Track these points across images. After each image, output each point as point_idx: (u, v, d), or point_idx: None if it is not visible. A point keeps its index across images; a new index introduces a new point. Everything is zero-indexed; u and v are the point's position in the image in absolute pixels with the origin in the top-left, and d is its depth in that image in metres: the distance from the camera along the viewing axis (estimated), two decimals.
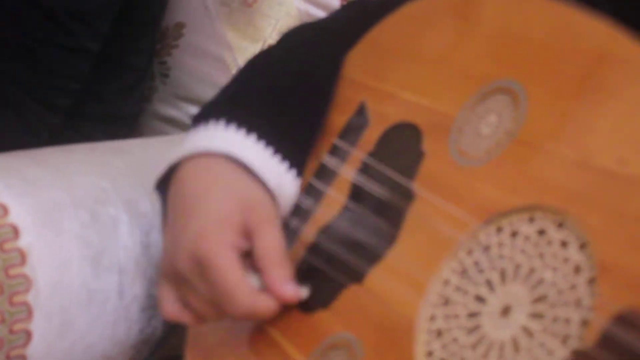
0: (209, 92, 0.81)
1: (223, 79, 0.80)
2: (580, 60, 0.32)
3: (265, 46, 0.79)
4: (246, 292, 0.35)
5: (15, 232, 0.49)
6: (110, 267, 0.53)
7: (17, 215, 0.50)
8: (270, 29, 0.79)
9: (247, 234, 0.38)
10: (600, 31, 0.31)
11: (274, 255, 0.37)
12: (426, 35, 0.41)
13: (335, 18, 0.53)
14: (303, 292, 0.38)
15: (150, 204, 0.56)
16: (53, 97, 0.67)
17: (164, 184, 0.43)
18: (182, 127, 0.81)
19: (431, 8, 0.42)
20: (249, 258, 0.38)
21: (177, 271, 0.38)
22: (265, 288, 0.37)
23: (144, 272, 0.55)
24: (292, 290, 0.37)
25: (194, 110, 0.81)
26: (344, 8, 0.56)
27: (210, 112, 0.43)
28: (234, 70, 0.80)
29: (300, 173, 0.42)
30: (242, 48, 0.80)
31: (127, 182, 0.58)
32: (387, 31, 0.43)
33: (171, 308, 0.39)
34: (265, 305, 0.36)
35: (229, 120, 0.41)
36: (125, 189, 0.57)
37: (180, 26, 0.81)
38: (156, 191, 0.44)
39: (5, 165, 0.54)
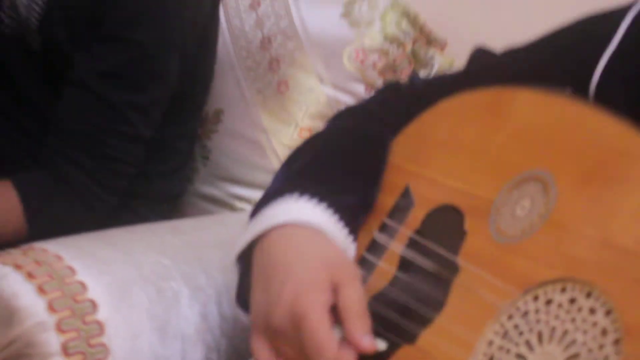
0: (246, 173, 0.89)
1: (259, 159, 0.88)
2: (601, 155, 0.39)
3: (297, 129, 0.87)
4: (333, 347, 0.41)
5: (94, 306, 0.56)
6: (175, 336, 0.59)
7: (95, 291, 0.56)
8: (301, 114, 0.88)
9: (334, 289, 0.44)
10: (619, 130, 0.38)
11: (356, 308, 0.42)
12: (464, 128, 0.48)
13: (377, 102, 0.61)
14: (380, 345, 0.43)
15: (205, 278, 0.63)
16: (113, 180, 0.75)
17: (244, 255, 0.49)
18: (222, 204, 0.88)
19: (467, 104, 0.50)
20: (332, 310, 0.43)
21: (273, 326, 0.43)
22: (346, 338, 0.42)
23: (203, 339, 0.61)
24: (369, 342, 0.42)
25: (232, 189, 0.88)
26: (382, 92, 0.64)
27: (288, 182, 0.50)
28: (268, 152, 0.88)
29: (355, 240, 0.49)
30: (276, 131, 0.89)
31: (185, 258, 0.64)
32: (427, 123, 0.51)
33: (266, 356, 0.44)
34: (346, 358, 0.42)
35: (302, 193, 0.48)
36: (183, 265, 0.63)
37: (219, 112, 0.89)
38: (237, 262, 0.50)
39: (80, 247, 0.61)
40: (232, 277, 0.51)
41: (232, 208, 0.88)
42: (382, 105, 0.58)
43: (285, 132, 0.88)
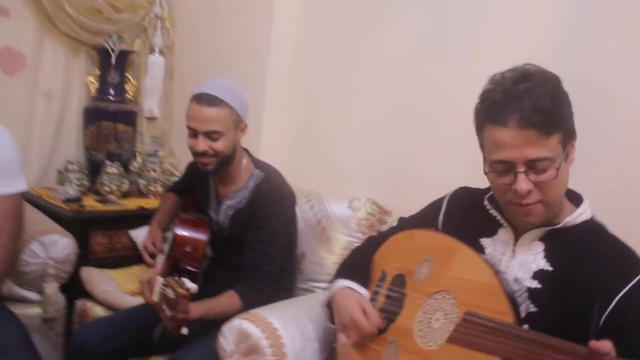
0: (317, 276, 2.10)
1: (321, 270, 2.10)
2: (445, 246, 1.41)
3: (336, 255, 2.09)
4: (369, 326, 1.43)
5: (279, 333, 1.71)
6: (308, 339, 1.75)
7: (278, 326, 1.71)
8: (336, 249, 2.10)
9: (361, 308, 1.49)
10: (444, 237, 1.45)
11: (373, 313, 1.44)
12: (398, 245, 1.53)
13: (365, 242, 1.74)
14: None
15: (315, 316, 1.79)
16: (272, 287, 1.90)
17: (328, 304, 1.64)
18: (309, 291, 2.09)
19: (399, 237, 1.53)
20: None
21: (345, 325, 1.46)
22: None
23: (317, 337, 1.77)
24: (380, 321, 1.42)
25: (313, 284, 2.09)
26: (367, 239, 1.81)
27: (338, 275, 1.60)
28: (326, 267, 2.08)
29: (368, 291, 1.58)
30: (326, 258, 2.10)
31: (306, 310, 1.82)
32: (386, 246, 1.56)
33: (344, 339, 1.46)
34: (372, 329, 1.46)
35: (345, 277, 1.57)
36: (306, 312, 1.81)
37: (303, 253, 2.13)
38: (325, 308, 1.65)
39: (269, 310, 1.77)
40: (322, 315, 1.68)
41: (313, 292, 2.08)
42: (367, 242, 1.77)
43: (330, 258, 2.10)
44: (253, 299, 1.74)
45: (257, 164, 1.94)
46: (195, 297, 1.51)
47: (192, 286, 1.46)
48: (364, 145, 2.33)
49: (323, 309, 1.59)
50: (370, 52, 2.32)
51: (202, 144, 1.79)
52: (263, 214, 1.83)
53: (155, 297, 1.53)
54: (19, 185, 1.81)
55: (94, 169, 2.87)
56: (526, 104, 1.15)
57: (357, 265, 1.58)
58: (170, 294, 1.44)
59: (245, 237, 1.85)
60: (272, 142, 2.60)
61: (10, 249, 1.76)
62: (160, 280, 1.54)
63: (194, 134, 1.81)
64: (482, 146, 1.27)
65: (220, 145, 1.80)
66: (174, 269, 1.84)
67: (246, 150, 1.95)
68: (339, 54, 2.44)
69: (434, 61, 2.10)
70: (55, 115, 2.93)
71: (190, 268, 1.87)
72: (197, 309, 1.60)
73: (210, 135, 1.79)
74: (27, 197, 2.72)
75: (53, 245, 2.15)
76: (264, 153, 2.15)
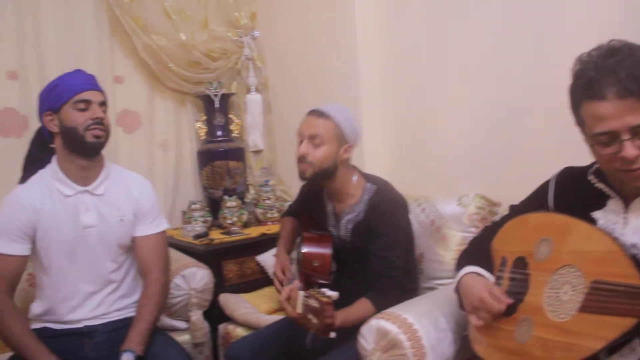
0: (437, 274, 2.20)
1: (441, 269, 2.19)
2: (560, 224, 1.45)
3: (453, 251, 2.18)
4: (497, 306, 1.51)
5: (414, 327, 1.83)
6: (441, 330, 1.85)
7: (412, 320, 1.82)
8: (453, 245, 2.19)
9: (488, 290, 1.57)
10: (557, 216, 1.46)
11: (497, 294, 1.52)
12: (515, 230, 1.56)
13: (482, 232, 1.83)
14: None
15: (445, 320, 1.87)
16: (399, 289, 2.01)
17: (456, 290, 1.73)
18: (431, 289, 2.19)
19: (513, 223, 1.56)
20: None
21: (475, 306, 1.55)
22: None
23: (450, 328, 1.86)
24: (507, 300, 1.50)
25: (437, 282, 2.18)
26: (482, 229, 1.90)
27: (461, 263, 1.69)
28: (445, 264, 2.18)
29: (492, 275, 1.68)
30: (444, 255, 2.20)
31: (436, 303, 1.90)
32: (502, 233, 1.63)
33: (476, 320, 1.57)
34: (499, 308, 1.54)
35: (469, 264, 1.66)
36: (438, 304, 1.89)
37: (422, 254, 2.23)
38: (455, 292, 1.74)
39: (401, 308, 1.89)
40: (451, 306, 1.77)
41: (436, 289, 2.18)
42: (483, 231, 1.82)
43: (449, 255, 2.19)
44: (384, 302, 1.84)
45: (368, 178, 2.07)
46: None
47: (333, 293, 1.60)
48: (464, 143, 2.41)
49: (453, 295, 1.68)
50: (460, 47, 2.39)
51: (304, 147, 1.95)
52: (381, 223, 1.95)
53: (299, 309, 1.69)
54: (162, 225, 2.08)
55: (214, 205, 3.12)
56: (622, 76, 1.21)
57: (478, 252, 1.67)
58: (314, 303, 1.60)
59: (367, 246, 1.97)
60: (374, 156, 2.72)
61: (162, 280, 1.99)
62: (302, 293, 1.69)
63: (300, 141, 1.98)
64: (582, 122, 1.34)
65: (319, 153, 1.94)
66: (307, 285, 2.00)
67: (355, 168, 2.09)
68: (427, 53, 2.53)
69: (525, 49, 2.16)
70: (172, 163, 3.22)
71: (321, 281, 2.02)
72: (337, 317, 1.72)
73: (313, 140, 1.94)
74: None
75: (193, 277, 2.37)
76: (368, 168, 2.28)
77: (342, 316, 1.77)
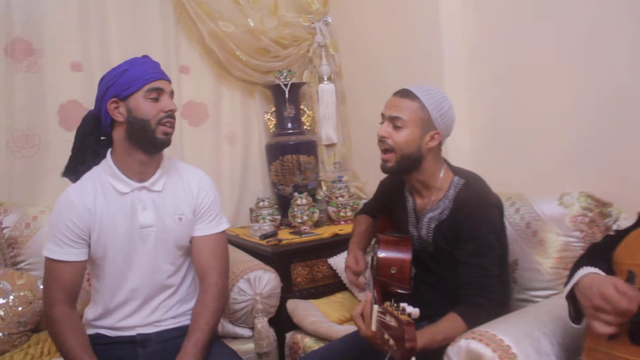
0: (533, 284, 1.90)
1: (540, 277, 1.89)
2: None
3: (553, 259, 1.87)
4: (624, 302, 1.19)
5: (509, 347, 1.55)
6: (544, 353, 1.56)
7: (509, 342, 1.53)
8: (552, 251, 1.88)
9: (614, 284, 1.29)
10: None
11: (628, 290, 1.23)
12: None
13: (608, 236, 1.53)
14: None
15: (548, 342, 1.58)
16: (494, 302, 1.71)
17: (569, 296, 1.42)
18: (527, 301, 1.89)
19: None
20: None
21: (596, 307, 1.24)
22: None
23: (553, 353, 1.57)
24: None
25: (533, 294, 1.89)
26: (608, 235, 1.58)
27: (578, 266, 1.41)
28: (544, 274, 1.88)
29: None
30: (542, 263, 1.89)
31: (536, 322, 1.62)
32: (629, 243, 1.36)
33: (602, 328, 1.26)
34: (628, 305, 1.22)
35: (586, 265, 1.37)
36: (539, 323, 1.60)
37: (516, 261, 1.93)
38: (567, 300, 1.45)
39: (493, 327, 1.62)
40: (555, 325, 1.49)
41: (532, 302, 1.88)
42: (604, 240, 1.49)
43: (547, 263, 1.88)
44: (477, 318, 1.58)
45: (456, 171, 1.81)
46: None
47: (414, 310, 1.35)
48: (567, 132, 2.08)
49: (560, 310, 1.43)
50: (562, 21, 2.07)
51: (384, 128, 1.76)
52: (471, 223, 1.70)
53: (373, 327, 1.45)
54: (223, 224, 1.90)
55: (283, 203, 2.94)
56: None
57: (597, 258, 1.38)
58: (391, 322, 1.35)
59: (454, 251, 1.73)
60: (458, 148, 2.44)
61: (220, 285, 1.81)
62: (376, 308, 1.45)
63: (382, 121, 1.79)
64: None
65: (400, 137, 1.73)
66: (383, 295, 1.76)
67: (444, 160, 1.84)
68: (521, 30, 2.22)
69: (628, 32, 1.83)
70: (240, 157, 3.07)
71: (400, 290, 1.77)
72: (421, 337, 1.49)
73: (394, 122, 1.74)
74: (227, 237, 2.85)
75: (258, 281, 2.20)
76: (451, 161, 2.00)
77: (427, 336, 1.53)
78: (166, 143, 1.75)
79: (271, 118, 3.02)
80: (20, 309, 2.22)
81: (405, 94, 1.75)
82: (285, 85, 2.88)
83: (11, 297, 2.24)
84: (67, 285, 1.71)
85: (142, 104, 1.69)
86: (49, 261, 1.72)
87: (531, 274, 1.91)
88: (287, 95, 2.90)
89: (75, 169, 1.82)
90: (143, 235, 1.76)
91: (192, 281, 1.90)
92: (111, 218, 1.74)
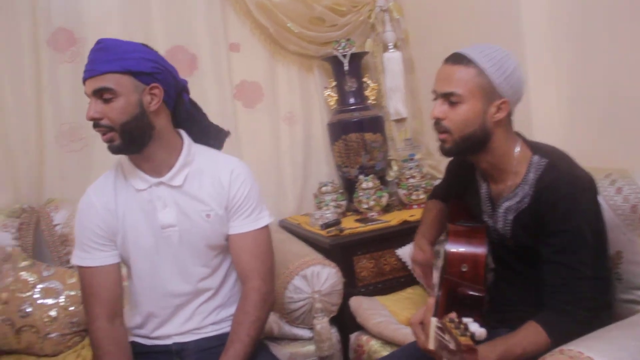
0: None
1: None
2: None
3: None
4: None
5: None
6: None
7: None
8: None
9: None
10: None
11: None
12: None
13: None
14: None
15: None
16: (586, 308, 1.32)
17: None
18: (636, 303, 1.53)
19: None
20: None
21: None
22: None
23: None
24: None
25: (637, 294, 1.52)
26: None
27: None
28: None
29: None
30: None
31: None
32: None
33: None
34: None
35: None
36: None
37: (620, 252, 1.57)
38: None
39: (585, 345, 1.25)
40: None
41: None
42: None
43: None
44: (564, 329, 1.29)
45: (536, 148, 1.47)
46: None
47: (478, 331, 1.06)
48: None
49: None
50: None
51: (438, 109, 1.43)
52: (558, 214, 1.37)
53: (431, 345, 1.17)
54: (263, 219, 1.66)
55: (349, 187, 2.68)
56: None
57: None
58: (450, 343, 1.06)
59: (538, 247, 1.41)
60: (543, 118, 2.09)
61: (263, 290, 1.59)
62: (434, 322, 1.17)
63: (434, 98, 1.47)
64: None
65: (457, 116, 1.40)
66: (451, 298, 1.46)
67: (518, 135, 1.50)
68: None
69: None
70: (301, 138, 2.84)
71: (472, 292, 1.47)
72: (492, 352, 1.22)
73: (449, 98, 1.41)
74: (286, 226, 2.64)
75: (316, 278, 2.00)
76: (536, 135, 1.65)
77: (500, 351, 1.25)
78: (114, 150, 1.49)
79: (332, 94, 2.75)
80: (72, 308, 2.13)
81: (457, 59, 1.42)
82: (344, 56, 2.60)
83: (62, 297, 2.15)
84: (105, 296, 1.55)
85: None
86: (81, 270, 1.57)
87: (635, 267, 1.55)
88: (346, 68, 2.62)
89: None
90: (166, 236, 1.56)
91: (235, 283, 1.69)
92: (132, 218, 1.56)
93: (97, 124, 1.45)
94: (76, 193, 2.44)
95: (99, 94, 1.43)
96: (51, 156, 2.49)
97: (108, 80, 1.43)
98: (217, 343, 1.57)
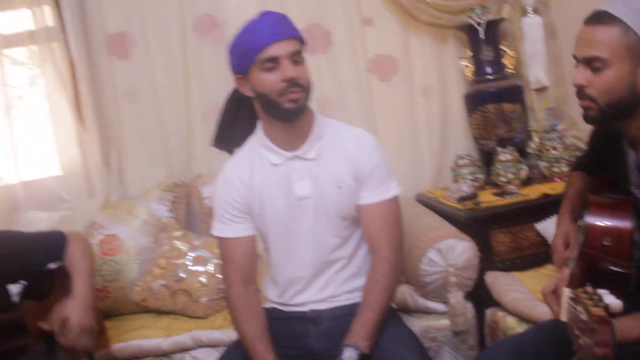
0: None
1: None
2: None
3: None
4: None
5: None
6: None
7: None
8: None
9: None
10: None
11: None
12: None
13: None
14: None
15: None
16: None
17: None
18: None
19: None
20: None
21: None
22: None
23: None
24: None
25: None
26: None
27: None
28: None
29: None
30: None
31: None
32: None
33: None
34: None
35: None
36: None
37: None
38: None
39: None
40: None
41: None
42: None
43: None
44: None
45: None
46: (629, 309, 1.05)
47: (614, 303, 0.99)
48: None
49: None
50: None
51: (579, 75, 1.30)
52: None
53: (564, 316, 1.12)
54: (391, 190, 1.66)
55: (486, 160, 2.61)
56: None
57: None
58: (582, 314, 1.01)
59: None
60: None
61: (391, 260, 1.61)
62: (566, 292, 1.12)
63: (576, 64, 1.35)
64: None
65: (603, 82, 1.27)
66: (590, 271, 1.38)
67: None
68: None
69: None
70: (437, 111, 2.79)
71: (614, 268, 1.37)
72: (634, 328, 1.15)
73: (591, 63, 1.28)
74: (423, 200, 2.63)
75: (451, 251, 1.98)
76: None
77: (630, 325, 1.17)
78: (296, 111, 1.55)
79: (468, 64, 2.67)
80: (219, 275, 2.29)
81: (598, 18, 1.27)
82: (479, 24, 2.51)
83: (211, 265, 2.33)
84: (240, 263, 1.66)
85: (259, 77, 1.53)
86: (220, 240, 1.69)
87: None
88: (482, 36, 2.52)
89: (223, 138, 1.77)
90: (302, 208, 1.63)
91: (367, 253, 1.71)
92: (269, 191, 1.64)
93: (295, 84, 1.52)
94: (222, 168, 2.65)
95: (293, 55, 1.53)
96: (199, 134, 2.68)
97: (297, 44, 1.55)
98: (350, 312, 1.61)
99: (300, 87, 1.53)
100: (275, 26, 1.53)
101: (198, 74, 2.66)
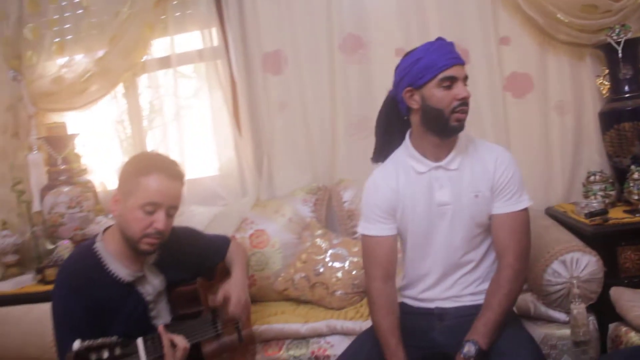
0: None
1: None
2: None
3: None
4: None
5: None
6: None
7: None
8: None
9: None
10: None
11: None
12: None
13: None
14: None
15: None
16: None
17: None
18: None
19: None
20: None
21: None
22: None
23: None
24: None
25: None
26: None
27: None
28: None
29: None
30: None
31: None
32: None
33: None
34: None
35: None
36: None
37: None
38: None
39: None
40: None
41: None
42: None
43: None
44: None
45: None
46: None
47: None
48: None
49: None
50: None
51: None
52: None
53: None
54: (522, 202, 1.81)
55: (620, 177, 2.61)
56: None
57: None
58: None
59: None
60: None
61: (515, 267, 1.75)
62: None
63: None
64: None
65: None
66: None
67: None
68: None
69: None
70: (570, 127, 2.83)
71: None
72: None
73: None
74: (553, 214, 2.70)
75: (575, 264, 2.05)
76: None
77: None
78: (459, 129, 1.76)
79: (604, 82, 2.68)
80: (354, 272, 2.53)
81: None
82: (618, 43, 2.53)
83: (347, 262, 2.57)
84: (382, 260, 1.85)
85: (435, 93, 1.72)
86: (364, 238, 1.90)
87: None
88: (620, 55, 2.54)
89: (383, 152, 1.96)
90: (441, 213, 1.81)
91: (495, 260, 1.86)
92: (412, 196, 1.84)
93: (464, 103, 1.75)
94: (361, 175, 2.83)
95: (464, 79, 1.75)
96: (342, 144, 2.95)
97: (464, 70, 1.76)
98: (473, 312, 1.77)
99: (467, 106, 1.74)
100: (453, 51, 1.76)
101: (342, 90, 2.92)
